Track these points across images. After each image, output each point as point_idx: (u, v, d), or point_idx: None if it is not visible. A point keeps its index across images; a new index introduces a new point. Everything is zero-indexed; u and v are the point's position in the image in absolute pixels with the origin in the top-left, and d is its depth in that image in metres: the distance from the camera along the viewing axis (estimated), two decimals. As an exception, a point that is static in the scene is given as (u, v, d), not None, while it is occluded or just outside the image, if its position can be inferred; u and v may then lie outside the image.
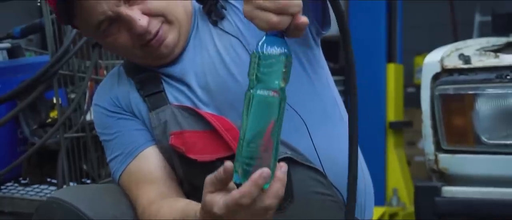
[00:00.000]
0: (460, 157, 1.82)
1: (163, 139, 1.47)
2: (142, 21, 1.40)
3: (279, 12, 1.10)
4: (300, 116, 1.46)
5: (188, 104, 1.47)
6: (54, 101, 2.32)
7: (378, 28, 4.08)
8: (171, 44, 1.46)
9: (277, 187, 1.13)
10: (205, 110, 1.45)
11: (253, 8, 1.12)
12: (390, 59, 4.11)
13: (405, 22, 4.39)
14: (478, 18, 6.41)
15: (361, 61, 4.02)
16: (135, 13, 1.40)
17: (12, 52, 2.63)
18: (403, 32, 4.32)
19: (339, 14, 1.24)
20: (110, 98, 1.54)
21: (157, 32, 1.43)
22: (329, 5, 1.27)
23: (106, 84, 1.59)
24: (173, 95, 1.49)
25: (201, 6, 1.54)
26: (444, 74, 1.83)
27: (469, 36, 6.44)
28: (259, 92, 1.12)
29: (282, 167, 1.15)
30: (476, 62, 1.81)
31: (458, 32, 6.90)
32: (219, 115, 1.44)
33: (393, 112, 4.04)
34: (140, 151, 1.49)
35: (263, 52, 1.12)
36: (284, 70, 1.13)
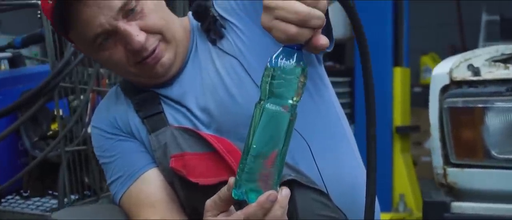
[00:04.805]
0: (469, 171, 1.77)
1: (164, 161, 1.43)
2: (140, 37, 1.36)
3: (300, 24, 1.04)
4: (303, 137, 1.42)
5: (188, 125, 1.44)
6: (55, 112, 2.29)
7: (384, 31, 4.03)
8: (167, 64, 1.42)
9: (276, 209, 1.11)
10: (206, 132, 1.42)
11: (272, 18, 1.05)
12: (396, 62, 4.06)
13: (411, 21, 4.34)
14: (484, 17, 6.36)
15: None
16: (132, 29, 1.36)
17: (13, 62, 2.62)
18: (409, 31, 4.27)
19: (355, 21, 1.18)
20: (108, 120, 1.51)
21: (154, 50, 1.39)
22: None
23: (104, 106, 1.56)
24: (173, 116, 1.46)
25: (200, 23, 1.50)
26: (453, 86, 1.78)
27: (475, 35, 6.41)
28: (270, 106, 1.08)
29: (283, 190, 1.12)
30: (486, 74, 1.76)
31: (464, 31, 6.85)
32: (220, 136, 1.40)
33: (399, 116, 4.00)
34: (141, 173, 1.45)
35: (277, 65, 1.07)
36: (298, 85, 1.08)
